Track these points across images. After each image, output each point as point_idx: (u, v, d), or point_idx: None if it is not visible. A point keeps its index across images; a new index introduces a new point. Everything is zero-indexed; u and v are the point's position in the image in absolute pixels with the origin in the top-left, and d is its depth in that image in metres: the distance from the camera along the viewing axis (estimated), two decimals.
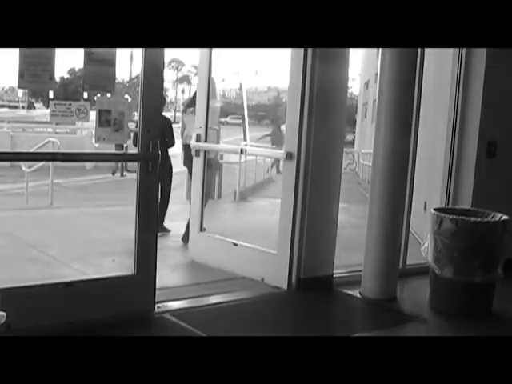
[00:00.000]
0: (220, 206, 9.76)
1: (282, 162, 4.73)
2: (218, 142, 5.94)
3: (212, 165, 6.28)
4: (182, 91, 54.50)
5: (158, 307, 3.87)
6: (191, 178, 5.36)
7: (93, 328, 3.39)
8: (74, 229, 6.58)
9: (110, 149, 4.00)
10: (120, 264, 4.84)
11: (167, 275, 4.65)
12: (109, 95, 3.61)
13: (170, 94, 51.72)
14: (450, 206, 5.21)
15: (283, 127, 8.99)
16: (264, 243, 4.80)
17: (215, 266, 4.89)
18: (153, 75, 3.62)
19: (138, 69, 3.67)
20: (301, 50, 4.26)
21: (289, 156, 4.39)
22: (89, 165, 11.79)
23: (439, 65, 5.84)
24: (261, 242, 4.86)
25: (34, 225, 6.71)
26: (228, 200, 10.42)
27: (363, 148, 19.12)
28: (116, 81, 3.68)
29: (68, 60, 4.04)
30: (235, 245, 4.86)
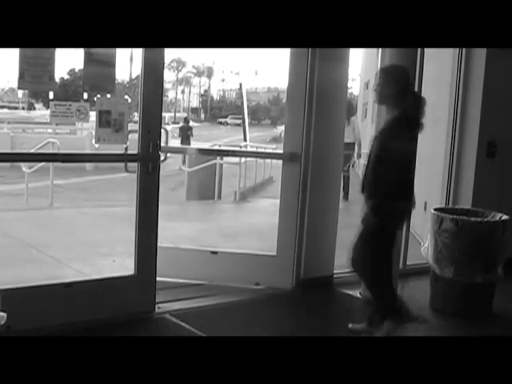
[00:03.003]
0: (216, 207, 9.75)
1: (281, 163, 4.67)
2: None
3: None
4: (182, 92, 54.46)
5: (159, 308, 3.87)
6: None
7: (93, 328, 3.40)
8: (73, 229, 6.58)
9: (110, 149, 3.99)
10: (120, 264, 4.84)
11: None
12: (109, 96, 3.61)
13: (170, 95, 51.66)
14: (450, 206, 5.21)
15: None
16: (255, 246, 4.67)
17: (178, 281, 4.35)
18: (153, 75, 3.63)
19: (138, 69, 3.67)
20: (302, 50, 4.26)
21: (291, 157, 4.38)
22: (89, 165, 11.79)
23: (439, 65, 5.84)
24: (251, 245, 4.73)
25: (34, 225, 6.71)
26: (228, 200, 10.43)
27: (363, 148, 19.06)
28: (116, 81, 3.67)
29: (68, 60, 4.03)
30: (214, 253, 4.52)
